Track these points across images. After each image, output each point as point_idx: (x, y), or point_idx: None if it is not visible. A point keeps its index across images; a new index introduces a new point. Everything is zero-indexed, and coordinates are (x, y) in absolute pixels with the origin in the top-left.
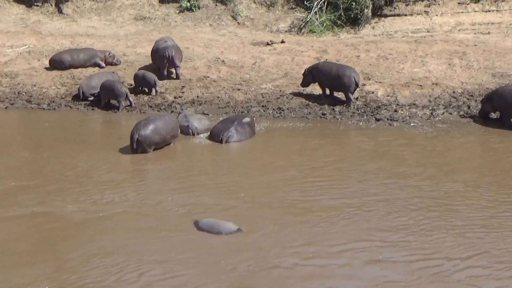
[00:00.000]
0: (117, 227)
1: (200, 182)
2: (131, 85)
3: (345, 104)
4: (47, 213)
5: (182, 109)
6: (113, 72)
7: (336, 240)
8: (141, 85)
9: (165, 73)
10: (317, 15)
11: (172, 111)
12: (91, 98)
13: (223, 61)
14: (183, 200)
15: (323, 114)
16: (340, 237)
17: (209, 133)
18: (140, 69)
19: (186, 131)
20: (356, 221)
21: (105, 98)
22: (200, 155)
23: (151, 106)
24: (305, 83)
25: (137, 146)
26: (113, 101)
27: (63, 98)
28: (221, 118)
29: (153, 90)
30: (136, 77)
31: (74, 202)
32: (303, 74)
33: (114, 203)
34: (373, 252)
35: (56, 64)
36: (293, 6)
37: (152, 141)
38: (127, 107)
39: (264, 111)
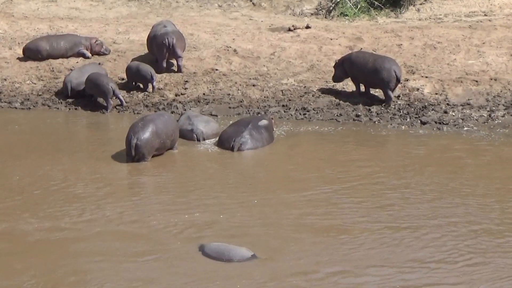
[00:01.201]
0: (94, 250)
1: (206, 198)
2: (123, 79)
3: (383, 104)
4: (7, 232)
5: (184, 110)
6: (99, 64)
7: (376, 270)
8: (135, 80)
9: (164, 65)
10: None
11: (172, 112)
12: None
13: (235, 50)
14: (185, 219)
15: (357, 115)
16: (381, 267)
17: (217, 138)
18: (133, 60)
19: (189, 136)
20: (401, 249)
21: (91, 95)
22: (206, 165)
23: (146, 106)
24: (337, 78)
25: (136, 152)
26: (100, 100)
27: (40, 95)
28: (232, 121)
29: (150, 86)
30: (128, 70)
31: (43, 220)
32: (334, 67)
33: (95, 221)
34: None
35: (32, 53)
36: None
37: (152, 146)
38: (117, 107)
39: (285, 111)
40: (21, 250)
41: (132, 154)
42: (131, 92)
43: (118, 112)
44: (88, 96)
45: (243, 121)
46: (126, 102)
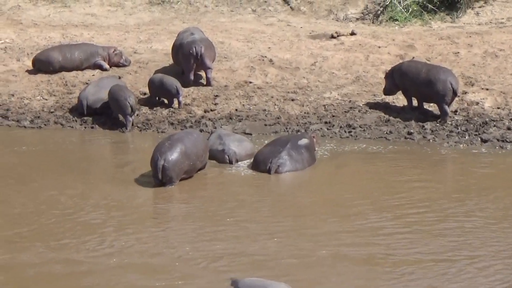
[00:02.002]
0: (111, 286)
1: (238, 227)
2: (145, 94)
3: (439, 120)
4: (12, 265)
5: (214, 127)
6: (118, 77)
7: None
8: (159, 94)
9: (192, 77)
10: None
11: (201, 130)
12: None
13: (270, 60)
14: (216, 250)
15: (409, 133)
16: None
17: (252, 160)
18: (157, 72)
19: (220, 157)
20: (458, 284)
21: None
22: (239, 190)
23: (172, 123)
24: (388, 90)
25: (163, 175)
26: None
27: (52, 112)
28: (268, 140)
29: (175, 101)
30: (151, 84)
31: (54, 251)
32: (385, 78)
33: (113, 253)
34: None
35: (42, 65)
36: None
37: (181, 168)
38: (138, 125)
39: (328, 129)
40: (29, 285)
41: (159, 177)
42: (155, 109)
43: (140, 131)
44: (106, 113)
45: (281, 140)
46: (148, 120)
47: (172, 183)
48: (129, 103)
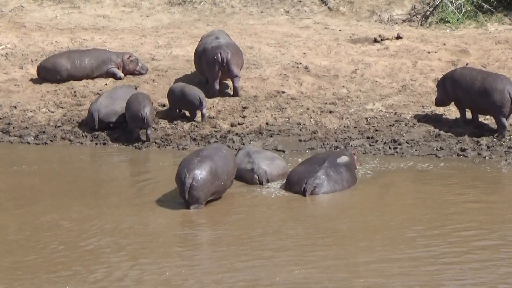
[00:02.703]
0: None
1: (269, 256)
2: (164, 105)
3: (496, 134)
4: None
5: (242, 144)
6: (134, 87)
7: None
8: (180, 106)
9: (217, 86)
10: None
11: (228, 147)
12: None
13: (306, 67)
14: (243, 281)
15: (462, 149)
16: None
17: (284, 180)
18: (177, 80)
19: (249, 177)
20: None
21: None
22: (270, 214)
23: (194, 139)
24: (440, 101)
25: (190, 195)
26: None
27: (59, 126)
28: (303, 157)
29: (198, 114)
30: (171, 94)
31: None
32: (437, 86)
33: (135, 283)
34: None
35: (48, 73)
36: None
37: (210, 189)
38: (156, 141)
39: (370, 145)
40: None
41: (185, 196)
42: (175, 122)
43: (159, 147)
44: (120, 128)
45: (318, 158)
46: (167, 135)
47: (198, 205)
48: (141, 115)
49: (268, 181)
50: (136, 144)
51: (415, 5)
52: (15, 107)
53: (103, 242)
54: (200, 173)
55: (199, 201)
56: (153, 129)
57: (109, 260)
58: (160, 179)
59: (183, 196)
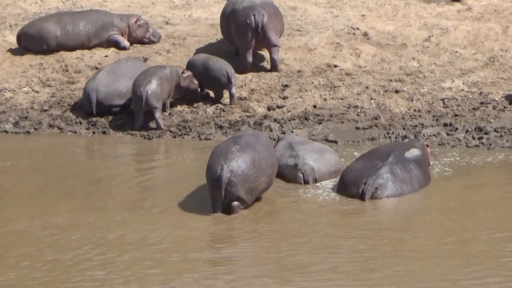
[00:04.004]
0: None
1: (319, 278)
2: None
3: None
4: None
5: (283, 133)
6: (144, 60)
7: None
8: (202, 84)
9: (250, 59)
10: None
11: None
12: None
13: (365, 34)
14: None
15: None
16: None
17: (338, 180)
18: (199, 51)
19: (292, 175)
20: None
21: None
22: (320, 223)
23: (220, 126)
24: None
25: (228, 194)
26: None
27: (46, 111)
28: (361, 151)
29: (226, 94)
30: (192, 69)
31: None
32: None
33: None
34: None
35: (32, 42)
36: None
37: (254, 185)
38: (173, 129)
39: (448, 134)
40: None
41: (222, 195)
42: (195, 105)
43: (174, 137)
44: (125, 112)
45: (380, 152)
46: (186, 121)
47: (238, 206)
48: (140, 92)
49: (316, 181)
50: (145, 133)
51: None
52: None
53: (90, 259)
54: (241, 166)
55: (240, 200)
56: (165, 114)
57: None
58: (174, 177)
59: (216, 196)
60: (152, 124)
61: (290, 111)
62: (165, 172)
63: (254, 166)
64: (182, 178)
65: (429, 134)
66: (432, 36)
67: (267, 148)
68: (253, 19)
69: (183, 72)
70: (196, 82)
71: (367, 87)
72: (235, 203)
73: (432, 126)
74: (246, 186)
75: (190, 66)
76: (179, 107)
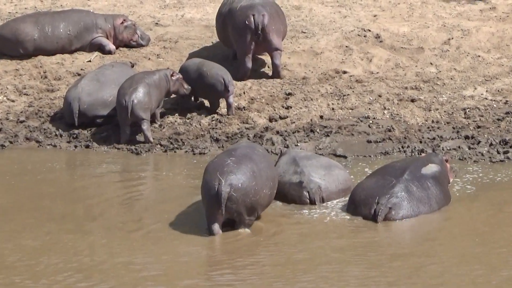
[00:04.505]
0: None
1: None
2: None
3: None
4: None
5: (286, 146)
6: (131, 65)
7: None
8: (196, 92)
9: (249, 64)
10: None
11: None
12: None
13: (377, 36)
14: None
15: None
16: None
17: (347, 199)
18: (192, 56)
19: (297, 193)
20: None
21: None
22: (328, 248)
23: (216, 139)
24: None
25: (230, 210)
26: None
27: (22, 122)
28: (373, 167)
29: (223, 103)
30: (184, 75)
31: None
32: None
33: None
34: None
35: (7, 45)
36: None
37: (256, 200)
38: (164, 142)
39: (470, 148)
40: None
41: (222, 212)
42: (189, 116)
43: (165, 151)
44: (111, 123)
45: (394, 167)
46: (178, 134)
47: (245, 224)
48: (125, 101)
49: (323, 200)
50: (133, 147)
51: None
52: None
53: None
54: (241, 179)
55: (241, 218)
56: (155, 125)
57: None
58: (164, 195)
59: (214, 215)
60: (140, 137)
61: (294, 122)
62: (154, 191)
63: (254, 178)
64: (173, 197)
65: (448, 148)
66: (452, 38)
67: (265, 159)
68: (252, 19)
69: (172, 75)
70: (186, 86)
71: (379, 96)
72: (237, 217)
73: (452, 139)
74: (247, 200)
75: (182, 72)
76: (170, 118)
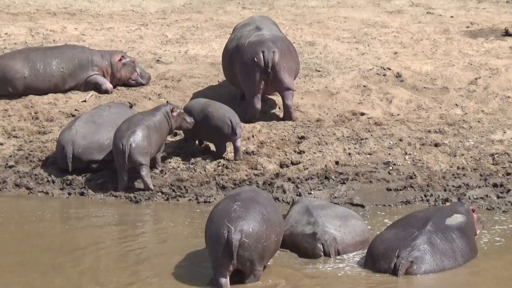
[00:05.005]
0: None
1: None
2: (176, 134)
3: None
4: None
5: (299, 194)
6: (129, 105)
7: None
8: (201, 135)
9: (258, 105)
10: None
11: (275, 199)
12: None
13: (398, 75)
14: None
15: None
16: None
17: (365, 252)
18: (197, 96)
19: (310, 246)
20: None
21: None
22: None
23: (223, 187)
24: None
25: (241, 260)
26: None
27: (11, 167)
28: (393, 217)
29: (230, 147)
30: (188, 115)
31: None
32: None
33: None
34: None
35: None
36: None
37: (267, 246)
38: (163, 192)
39: (499, 197)
40: None
41: (233, 263)
42: (193, 161)
43: (167, 199)
44: (108, 169)
45: (416, 218)
46: (181, 181)
47: (255, 274)
48: (122, 145)
49: (338, 253)
50: (132, 195)
51: None
52: None
53: None
54: (251, 224)
55: (253, 267)
56: (156, 171)
57: None
58: (163, 248)
59: (224, 266)
60: (140, 184)
61: (307, 168)
62: (153, 242)
63: (264, 221)
64: (174, 250)
65: (475, 197)
66: (479, 78)
67: (271, 203)
68: (262, 56)
69: (172, 110)
70: (189, 119)
71: (400, 140)
72: (248, 267)
73: (479, 187)
74: (259, 246)
75: (186, 113)
76: (173, 163)
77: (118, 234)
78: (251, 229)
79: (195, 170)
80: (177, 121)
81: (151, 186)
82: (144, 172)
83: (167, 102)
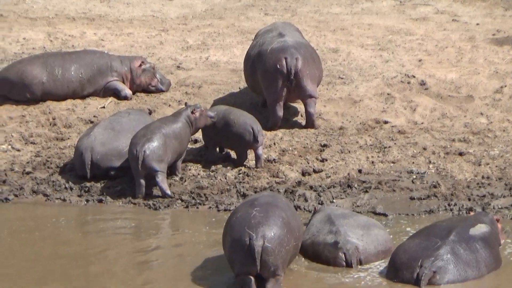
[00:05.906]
0: None
1: None
2: (196, 141)
3: None
4: None
5: (320, 203)
6: (149, 113)
7: None
8: (222, 143)
9: (280, 112)
10: None
11: (296, 207)
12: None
13: (422, 83)
14: None
15: None
16: None
17: (388, 262)
18: (218, 103)
19: (332, 255)
20: None
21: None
22: None
23: (243, 195)
24: None
25: (264, 265)
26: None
27: (28, 173)
28: (416, 226)
29: (251, 155)
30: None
31: None
32: None
33: None
34: None
35: (12, 89)
36: None
37: (288, 250)
38: (183, 199)
39: None
40: None
41: (257, 268)
42: (213, 168)
43: (187, 207)
44: (126, 176)
45: (440, 228)
46: (201, 188)
47: (277, 277)
48: (136, 151)
49: (360, 262)
50: (151, 202)
51: None
52: None
53: None
54: (272, 228)
55: (276, 271)
56: (176, 178)
57: None
58: (182, 257)
59: (248, 273)
60: (159, 191)
61: (329, 176)
62: (171, 251)
63: (284, 225)
64: (192, 259)
65: (500, 207)
66: (505, 86)
67: (289, 207)
68: (284, 63)
69: (193, 112)
70: (211, 114)
71: (424, 149)
72: (272, 273)
73: (504, 196)
74: (283, 251)
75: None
76: (193, 170)
77: (136, 242)
78: (272, 234)
79: (215, 177)
80: (200, 121)
81: (168, 192)
82: (160, 178)
83: (185, 103)
